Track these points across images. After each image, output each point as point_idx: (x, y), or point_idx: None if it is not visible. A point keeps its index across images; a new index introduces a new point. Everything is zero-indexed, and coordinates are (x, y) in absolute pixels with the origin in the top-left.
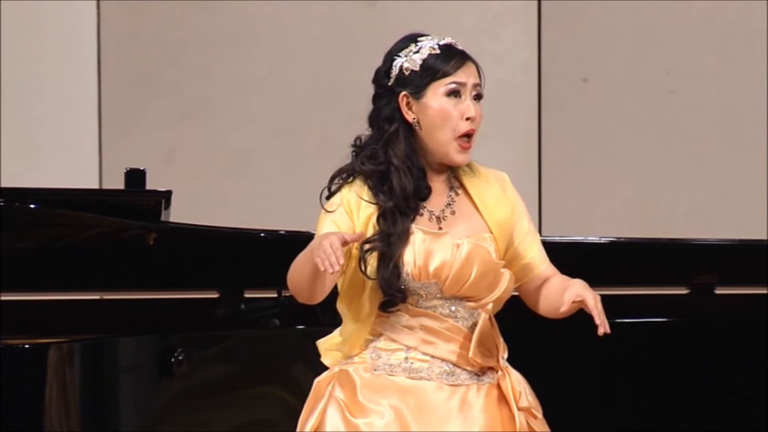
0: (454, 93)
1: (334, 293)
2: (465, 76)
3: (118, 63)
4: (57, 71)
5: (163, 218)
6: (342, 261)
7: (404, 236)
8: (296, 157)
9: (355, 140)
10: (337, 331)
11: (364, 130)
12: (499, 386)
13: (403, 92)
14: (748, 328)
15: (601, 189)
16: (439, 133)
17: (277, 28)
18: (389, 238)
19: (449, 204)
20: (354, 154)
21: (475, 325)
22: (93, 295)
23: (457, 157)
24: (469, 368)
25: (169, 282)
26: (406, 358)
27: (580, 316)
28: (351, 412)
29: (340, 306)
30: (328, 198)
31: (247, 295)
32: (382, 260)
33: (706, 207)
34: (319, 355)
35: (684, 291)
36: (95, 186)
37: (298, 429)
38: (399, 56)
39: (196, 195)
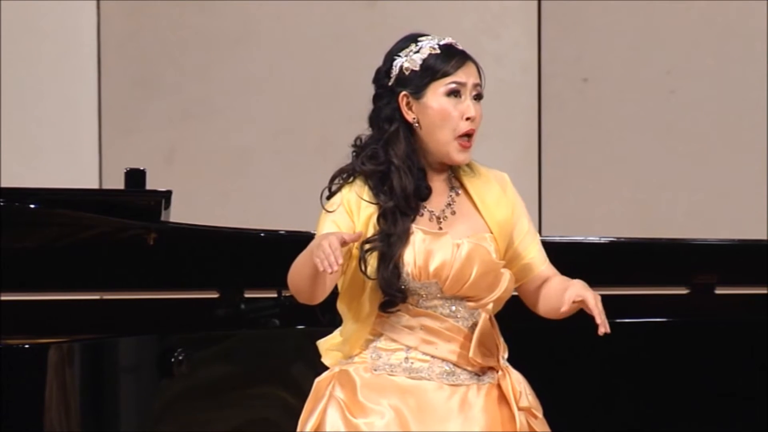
0: (454, 93)
1: (334, 293)
2: (465, 76)
3: (118, 63)
4: (57, 71)
5: (163, 218)
6: (341, 261)
7: (404, 236)
8: (296, 157)
9: (356, 140)
10: (337, 332)
11: (364, 130)
12: (499, 386)
13: (403, 92)
14: (748, 328)
15: (601, 189)
16: (439, 133)
17: (277, 28)
18: (389, 238)
19: (449, 204)
20: (354, 154)
21: (475, 325)
22: (93, 295)
23: (458, 157)
24: (469, 368)
25: (169, 282)
26: (407, 358)
27: (581, 316)
28: (351, 412)
29: (341, 306)
30: (328, 198)
31: (247, 295)
32: (382, 260)
33: (706, 207)
34: (319, 355)
35: (684, 291)
36: (95, 186)
37: (298, 429)
38: (399, 56)
39: (196, 195)
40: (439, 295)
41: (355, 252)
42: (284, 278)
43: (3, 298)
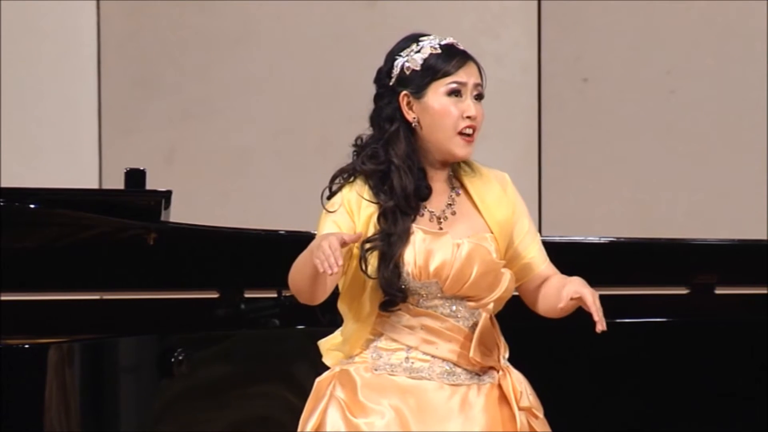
0: (455, 92)
1: (334, 293)
2: (466, 75)
3: (118, 63)
4: (57, 71)
5: (163, 218)
6: (341, 262)
7: (405, 236)
8: (296, 157)
9: (356, 140)
10: (338, 332)
11: (364, 130)
12: (500, 386)
13: (404, 92)
14: (748, 328)
15: (601, 189)
16: (439, 131)
17: (277, 28)
18: (390, 237)
19: (450, 204)
20: (355, 153)
21: (475, 324)
22: (93, 295)
23: (460, 151)
24: (469, 368)
25: (169, 282)
26: (407, 358)
27: (581, 316)
28: (352, 412)
29: (341, 306)
30: (329, 198)
31: (247, 295)
32: (382, 260)
33: (706, 207)
34: (319, 355)
35: (684, 291)
36: (95, 186)
37: (299, 429)
38: (400, 56)
39: (196, 195)
40: (439, 295)
41: (356, 252)
42: (284, 278)
43: (3, 298)
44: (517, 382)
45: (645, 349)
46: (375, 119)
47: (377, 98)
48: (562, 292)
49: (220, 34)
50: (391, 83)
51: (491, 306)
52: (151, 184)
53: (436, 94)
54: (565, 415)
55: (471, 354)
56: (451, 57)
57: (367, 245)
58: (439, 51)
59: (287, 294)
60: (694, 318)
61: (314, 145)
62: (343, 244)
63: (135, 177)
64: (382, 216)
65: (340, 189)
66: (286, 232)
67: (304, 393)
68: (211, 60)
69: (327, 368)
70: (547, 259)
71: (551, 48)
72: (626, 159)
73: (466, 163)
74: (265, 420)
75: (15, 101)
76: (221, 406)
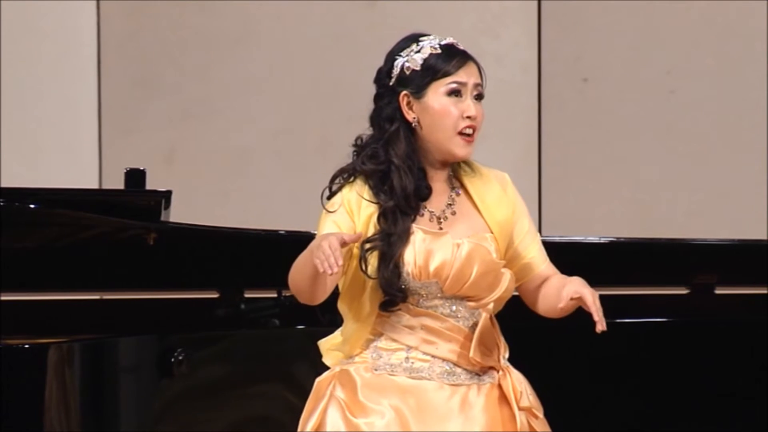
0: (455, 92)
1: (334, 293)
2: (466, 75)
3: (118, 63)
4: (57, 71)
5: (163, 218)
6: (341, 262)
7: (404, 236)
8: (296, 157)
9: (356, 140)
10: (338, 331)
11: (364, 130)
12: (500, 386)
13: (404, 92)
14: (748, 328)
15: (601, 189)
16: (439, 131)
17: (277, 28)
18: (390, 237)
19: (450, 204)
20: (355, 153)
21: (476, 324)
22: (93, 295)
23: (460, 151)
24: (469, 368)
25: (169, 282)
26: (407, 358)
27: (581, 316)
28: (352, 412)
29: (341, 306)
30: (329, 198)
31: (247, 295)
32: (382, 260)
33: (706, 207)
34: (319, 355)
35: (684, 291)
36: (95, 186)
37: (299, 429)
38: (400, 56)
39: (196, 195)
40: (439, 295)
41: (356, 251)
42: (284, 278)
43: (3, 298)
44: (517, 382)
45: (645, 349)
46: (375, 119)
47: (377, 98)
48: (562, 292)
49: (220, 34)
50: (391, 83)
51: (491, 306)
52: (151, 184)
53: (436, 94)
54: (565, 415)
55: (471, 354)
56: (451, 57)
57: (367, 245)
58: (439, 51)
59: (287, 294)
60: (694, 318)
61: (314, 145)
62: (343, 244)
63: (135, 177)
64: (382, 216)
65: (340, 189)
66: (286, 232)
67: (304, 393)
68: (211, 60)
69: (327, 368)
70: (547, 259)
71: (551, 48)
72: (626, 159)
73: (466, 163)
74: (265, 420)
75: (15, 101)
76: (221, 406)
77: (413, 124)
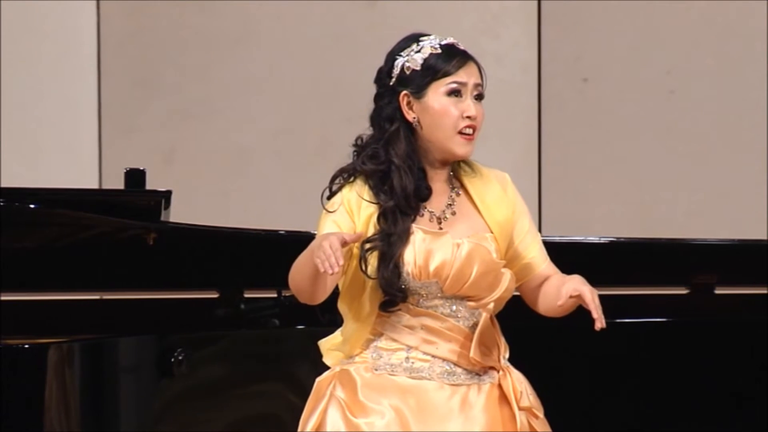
0: (455, 92)
1: (334, 293)
2: (466, 75)
3: (118, 63)
4: (57, 71)
5: (163, 218)
6: (341, 262)
7: (404, 236)
8: (296, 157)
9: (356, 140)
10: (338, 331)
11: (364, 130)
12: (500, 386)
13: (404, 92)
14: (748, 328)
15: (601, 189)
16: (439, 131)
17: (277, 28)
18: (390, 237)
19: (450, 204)
20: (355, 153)
21: (476, 324)
22: (93, 295)
23: (460, 150)
24: (469, 368)
25: (169, 282)
26: (407, 358)
27: (581, 316)
28: (352, 412)
29: (341, 305)
30: (329, 198)
31: (247, 295)
32: (382, 260)
33: (706, 207)
34: (319, 355)
35: (684, 291)
36: (95, 186)
37: (299, 429)
38: (401, 56)
39: (196, 195)
40: (439, 295)
41: (356, 251)
42: (284, 278)
43: (3, 298)
44: (517, 382)
45: (645, 349)
46: (375, 119)
47: (377, 98)
48: (561, 289)
49: (220, 34)
50: (391, 83)
51: (491, 306)
52: (151, 184)
53: (436, 93)
54: (565, 415)
55: (471, 354)
56: (452, 57)
57: (367, 245)
58: (439, 51)
59: (287, 294)
60: (694, 318)
61: (314, 145)
62: (344, 243)
63: (135, 177)
64: (382, 216)
65: (340, 189)
66: (286, 232)
67: (304, 393)
68: (211, 60)
69: (327, 368)
70: (548, 259)
71: (551, 48)
72: (626, 159)
73: (466, 163)
74: (265, 420)
75: (15, 101)
76: (221, 406)
77: (413, 124)
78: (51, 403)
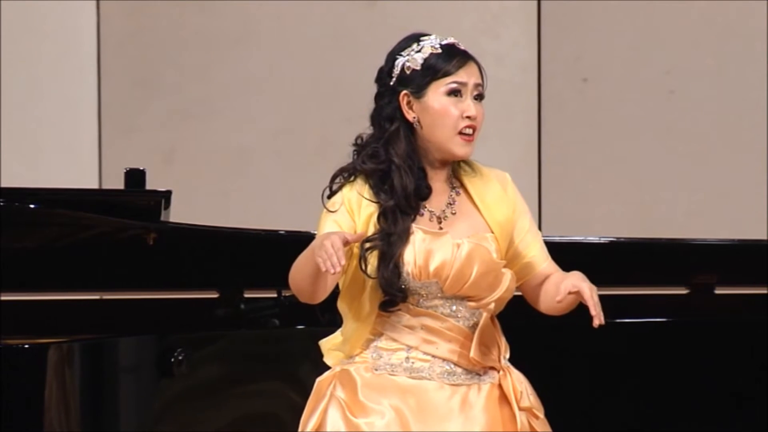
0: (455, 92)
1: (334, 293)
2: (466, 75)
3: (118, 63)
4: (57, 71)
5: (163, 218)
6: (343, 262)
7: (404, 235)
8: (296, 157)
9: (356, 139)
10: (339, 331)
11: (364, 129)
12: (500, 386)
13: (404, 91)
14: (748, 328)
15: (601, 189)
16: (439, 131)
17: (277, 28)
18: (390, 237)
19: (450, 204)
20: (355, 153)
21: (476, 324)
22: (93, 295)
23: (460, 150)
24: (470, 368)
25: (169, 282)
26: (407, 358)
27: (581, 315)
28: (352, 412)
29: (341, 305)
30: (329, 197)
31: (247, 295)
32: (382, 259)
33: (706, 207)
34: (319, 355)
35: (684, 291)
36: (95, 186)
37: (299, 429)
38: (401, 55)
39: (196, 195)
40: (439, 295)
41: (356, 251)
42: (284, 278)
43: (3, 298)
44: (517, 382)
45: (645, 349)
46: (375, 118)
47: (378, 97)
48: (560, 286)
49: (220, 34)
50: (391, 83)
51: (492, 306)
52: (150, 184)
53: (437, 93)
54: (565, 415)
55: (471, 354)
56: (452, 57)
57: (367, 245)
58: (439, 51)
59: (287, 294)
60: (694, 318)
61: (314, 145)
62: (345, 243)
63: (135, 177)
64: (382, 215)
65: (340, 188)
66: (286, 232)
67: (304, 393)
68: (211, 60)
69: (327, 368)
70: (549, 258)
71: (551, 48)
72: (626, 159)
73: (466, 162)
74: (265, 420)
75: (15, 101)
76: (221, 406)
77: (413, 124)
78: (51, 403)
